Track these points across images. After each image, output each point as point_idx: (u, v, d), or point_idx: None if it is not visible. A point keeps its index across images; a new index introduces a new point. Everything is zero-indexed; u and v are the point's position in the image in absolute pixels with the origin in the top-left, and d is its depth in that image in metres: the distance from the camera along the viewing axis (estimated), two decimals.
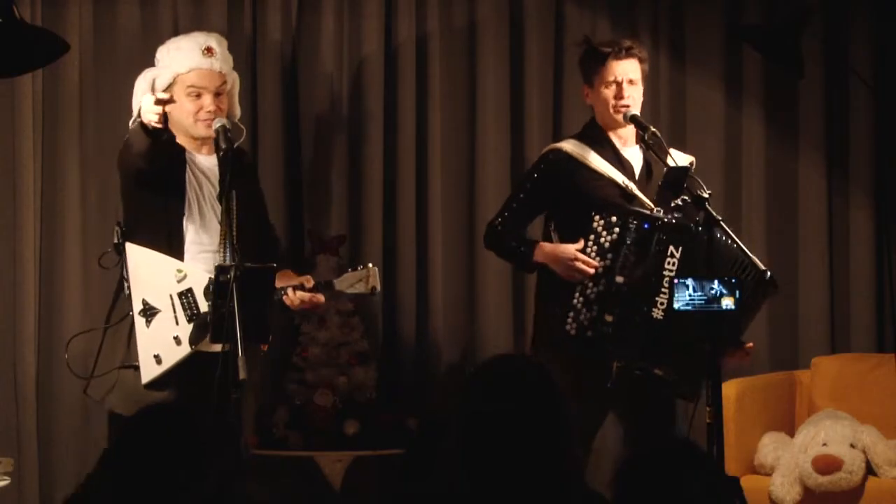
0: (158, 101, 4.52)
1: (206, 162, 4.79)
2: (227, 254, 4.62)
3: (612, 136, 5.04)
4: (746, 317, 4.92)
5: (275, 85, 5.95)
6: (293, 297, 4.70)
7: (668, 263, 4.83)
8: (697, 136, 6.22)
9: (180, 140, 4.78)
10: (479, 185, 6.10)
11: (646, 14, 6.23)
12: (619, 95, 4.99)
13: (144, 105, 4.55)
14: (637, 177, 4.99)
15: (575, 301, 4.87)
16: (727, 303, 4.46)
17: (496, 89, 6.09)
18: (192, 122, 4.75)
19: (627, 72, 5.01)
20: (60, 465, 5.64)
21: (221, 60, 4.81)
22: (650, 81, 6.12)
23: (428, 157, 6.08)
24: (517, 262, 5.16)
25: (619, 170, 4.97)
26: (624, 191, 4.94)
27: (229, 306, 4.32)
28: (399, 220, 6.06)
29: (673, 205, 4.88)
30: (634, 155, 5.04)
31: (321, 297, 4.75)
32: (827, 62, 6.31)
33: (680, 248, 4.82)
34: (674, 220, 4.83)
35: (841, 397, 5.81)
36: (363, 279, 4.75)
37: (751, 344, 4.95)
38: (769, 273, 4.88)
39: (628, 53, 5.02)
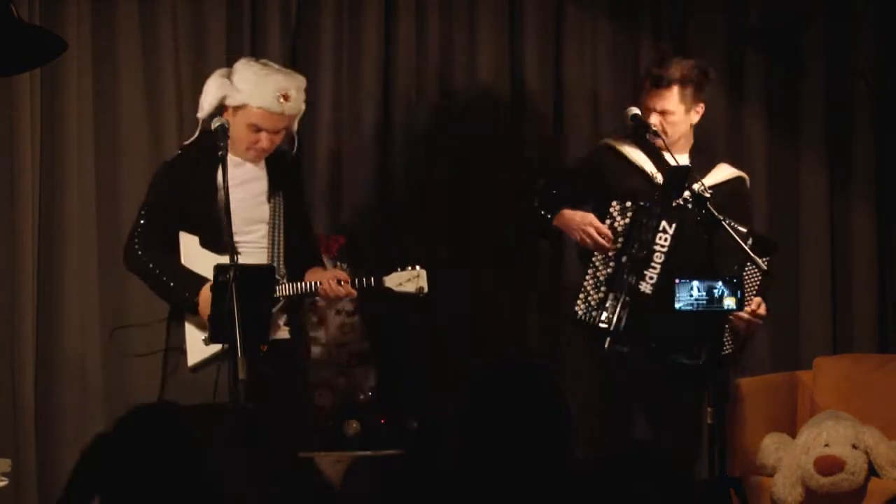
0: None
1: (253, 166, 4.85)
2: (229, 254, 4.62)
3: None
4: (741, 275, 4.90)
5: None
6: (329, 288, 4.76)
7: (661, 238, 4.88)
8: (699, 136, 6.21)
9: (232, 149, 4.81)
10: (479, 183, 6.09)
11: (647, 13, 6.22)
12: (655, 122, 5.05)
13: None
14: None
15: (586, 283, 4.93)
16: (729, 303, 4.46)
17: (495, 89, 6.08)
18: (246, 149, 4.82)
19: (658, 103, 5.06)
20: (58, 466, 5.62)
21: (294, 106, 4.85)
22: None
23: (427, 156, 6.07)
24: (540, 226, 5.16)
25: (655, 164, 5.01)
26: (650, 181, 4.98)
27: (229, 306, 4.31)
28: (398, 219, 6.04)
29: (674, 204, 4.88)
30: (679, 160, 5.03)
31: (354, 292, 4.83)
32: (828, 62, 6.31)
33: (674, 225, 4.86)
34: (680, 200, 4.83)
35: (843, 398, 5.80)
36: (412, 279, 4.80)
37: (758, 306, 4.95)
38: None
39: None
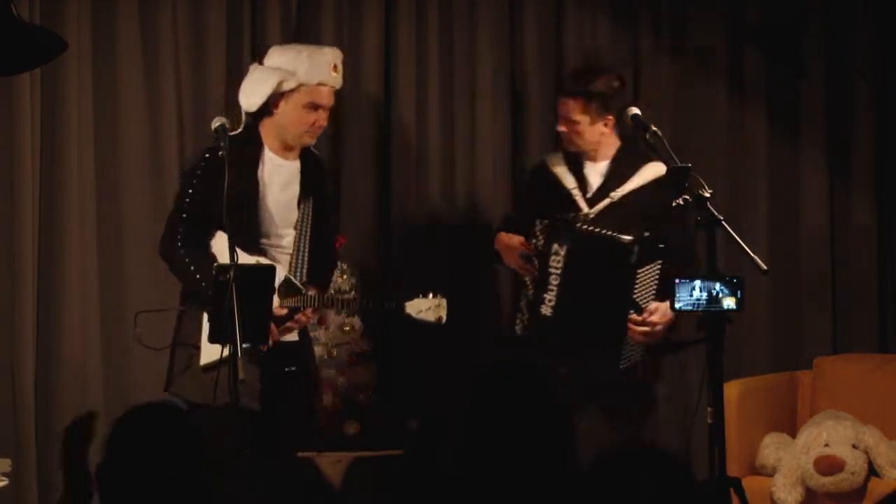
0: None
1: (291, 166, 4.87)
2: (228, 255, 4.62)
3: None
4: (632, 284, 4.94)
5: None
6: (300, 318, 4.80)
7: (553, 261, 4.95)
8: (699, 136, 6.21)
9: (269, 144, 4.83)
10: (478, 183, 6.09)
11: (647, 13, 6.22)
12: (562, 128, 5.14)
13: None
14: (592, 191, 5.09)
15: (521, 303, 5.09)
16: (729, 303, 4.46)
17: (495, 89, 6.08)
18: (301, 133, 4.83)
19: (566, 111, 5.12)
20: (58, 466, 5.61)
21: (340, 78, 4.90)
22: (652, 80, 6.14)
23: (427, 156, 6.06)
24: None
25: (576, 179, 5.11)
26: (568, 197, 5.08)
27: (229, 306, 4.31)
28: (397, 219, 6.04)
29: (674, 204, 4.87)
30: (598, 170, 5.12)
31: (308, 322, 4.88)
32: (828, 62, 6.31)
33: (565, 247, 4.94)
34: (680, 201, 4.85)
35: (843, 398, 5.80)
36: (432, 307, 4.85)
37: (652, 312, 4.93)
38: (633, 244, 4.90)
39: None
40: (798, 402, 5.97)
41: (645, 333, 4.94)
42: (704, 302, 4.45)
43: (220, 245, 4.75)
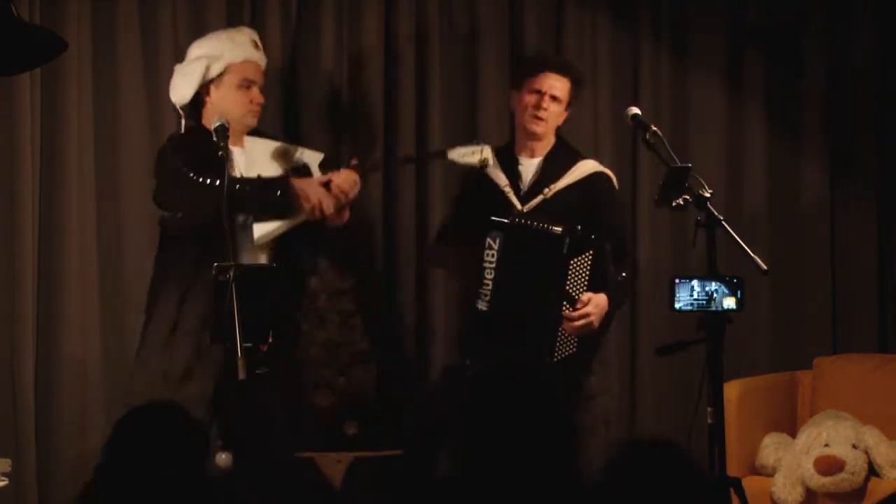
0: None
1: (240, 155, 4.91)
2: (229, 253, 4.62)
3: (520, 144, 5.20)
4: (565, 275, 4.96)
5: (274, 84, 5.92)
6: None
7: (488, 255, 5.01)
8: (699, 136, 6.22)
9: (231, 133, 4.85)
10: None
11: (647, 13, 6.22)
12: (537, 105, 5.14)
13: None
14: (526, 187, 5.15)
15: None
16: (729, 303, 4.46)
17: (496, 86, 6.07)
18: (244, 113, 4.88)
19: (554, 86, 5.14)
20: (59, 466, 5.62)
21: (263, 55, 4.98)
22: (653, 80, 6.14)
23: (427, 154, 6.06)
24: None
25: (509, 177, 5.16)
26: (502, 196, 5.14)
27: (229, 306, 4.32)
28: (399, 219, 6.04)
29: (674, 204, 4.87)
30: (532, 167, 5.18)
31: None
32: (828, 62, 6.31)
33: (498, 241, 4.99)
34: (680, 201, 4.86)
35: (843, 398, 5.80)
36: (476, 152, 4.96)
37: (585, 302, 4.94)
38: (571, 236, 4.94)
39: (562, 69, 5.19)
40: (798, 402, 5.97)
41: (580, 325, 4.95)
42: (704, 302, 4.45)
43: (251, 146, 4.85)
